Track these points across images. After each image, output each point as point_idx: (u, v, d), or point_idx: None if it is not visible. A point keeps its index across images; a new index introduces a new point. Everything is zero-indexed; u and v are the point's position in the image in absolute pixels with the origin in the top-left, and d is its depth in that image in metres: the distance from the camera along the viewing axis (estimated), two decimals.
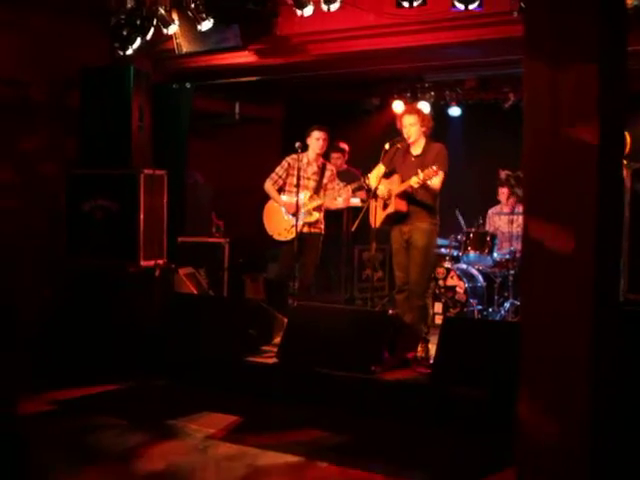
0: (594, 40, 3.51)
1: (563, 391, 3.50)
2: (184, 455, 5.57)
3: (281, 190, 8.69)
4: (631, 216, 5.90)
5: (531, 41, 3.76)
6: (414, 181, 7.36)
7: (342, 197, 8.68)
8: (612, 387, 3.65)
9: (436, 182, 7.44)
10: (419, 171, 7.30)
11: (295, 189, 8.35)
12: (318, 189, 8.63)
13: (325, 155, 9.04)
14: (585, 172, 3.38)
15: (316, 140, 8.58)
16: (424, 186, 7.40)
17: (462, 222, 9.78)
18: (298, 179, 8.30)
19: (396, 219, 7.72)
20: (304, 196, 8.45)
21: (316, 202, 8.55)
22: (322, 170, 8.71)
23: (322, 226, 8.68)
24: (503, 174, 9.65)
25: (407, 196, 7.62)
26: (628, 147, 7.19)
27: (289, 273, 8.45)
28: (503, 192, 9.78)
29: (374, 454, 5.70)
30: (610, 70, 3.46)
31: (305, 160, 8.56)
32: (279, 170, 8.69)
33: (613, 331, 3.66)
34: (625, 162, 6.17)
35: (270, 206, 8.76)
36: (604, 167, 3.48)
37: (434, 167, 7.25)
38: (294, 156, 8.54)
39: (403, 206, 7.64)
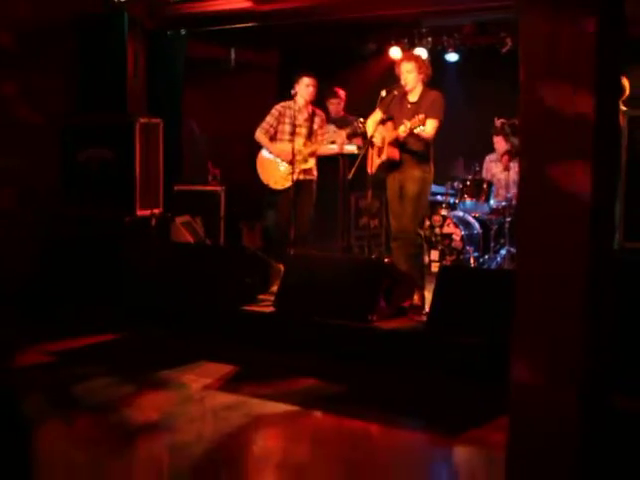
0: None
1: (555, 341, 3.51)
2: (181, 405, 5.61)
3: (272, 139, 8.56)
4: (627, 161, 5.88)
5: None
6: (401, 130, 7.25)
7: (337, 142, 8.63)
8: (606, 336, 3.66)
9: (429, 130, 7.28)
10: (405, 121, 7.22)
11: (287, 137, 8.29)
12: (310, 136, 8.54)
13: (321, 101, 8.95)
14: (581, 122, 3.36)
15: (306, 87, 8.43)
16: (415, 135, 7.30)
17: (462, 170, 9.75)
18: (293, 126, 8.23)
19: (389, 167, 7.65)
20: (298, 143, 8.38)
21: (310, 148, 8.48)
22: (312, 117, 8.62)
23: (315, 173, 8.64)
24: (498, 122, 9.57)
25: (399, 144, 7.53)
26: (627, 92, 7.14)
27: (287, 221, 8.41)
28: (498, 141, 9.73)
29: (370, 402, 5.75)
30: (608, 18, 3.42)
31: (296, 107, 8.41)
32: (269, 119, 8.54)
33: (608, 281, 3.66)
34: (624, 108, 6.14)
35: (262, 155, 8.65)
36: (601, 115, 3.46)
37: (420, 116, 7.14)
38: (284, 104, 8.46)
39: (395, 154, 7.54)
